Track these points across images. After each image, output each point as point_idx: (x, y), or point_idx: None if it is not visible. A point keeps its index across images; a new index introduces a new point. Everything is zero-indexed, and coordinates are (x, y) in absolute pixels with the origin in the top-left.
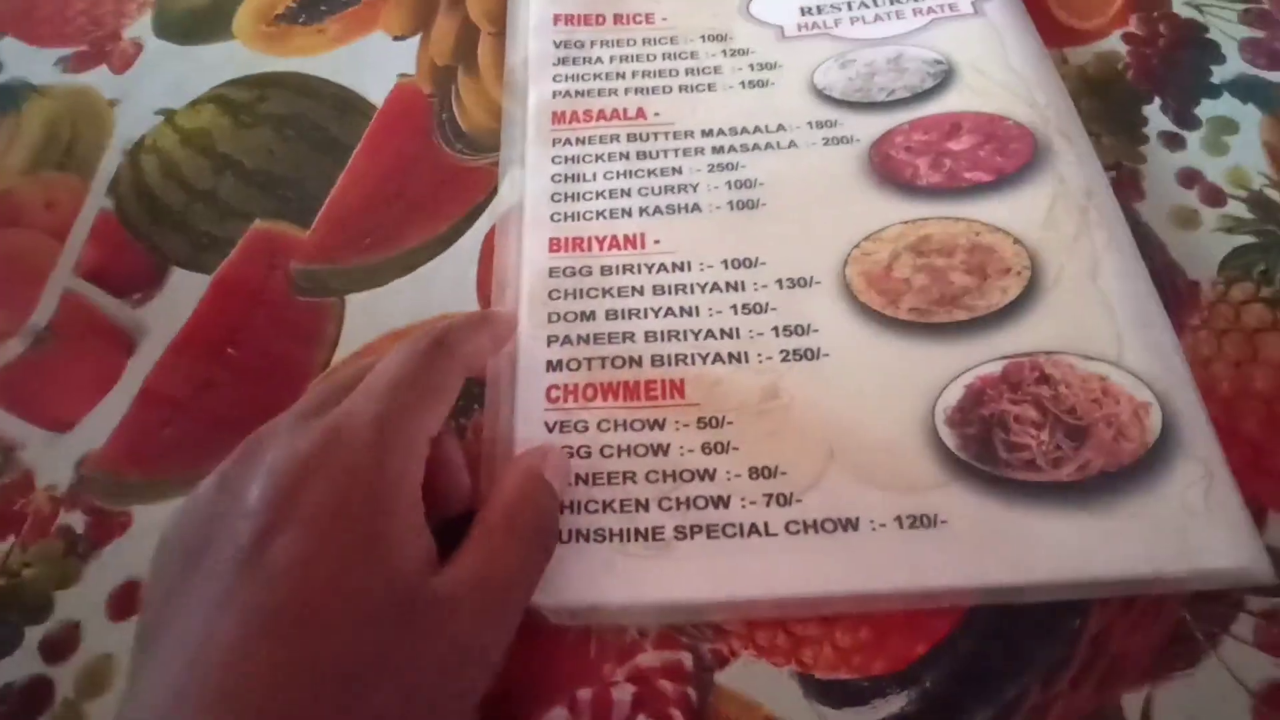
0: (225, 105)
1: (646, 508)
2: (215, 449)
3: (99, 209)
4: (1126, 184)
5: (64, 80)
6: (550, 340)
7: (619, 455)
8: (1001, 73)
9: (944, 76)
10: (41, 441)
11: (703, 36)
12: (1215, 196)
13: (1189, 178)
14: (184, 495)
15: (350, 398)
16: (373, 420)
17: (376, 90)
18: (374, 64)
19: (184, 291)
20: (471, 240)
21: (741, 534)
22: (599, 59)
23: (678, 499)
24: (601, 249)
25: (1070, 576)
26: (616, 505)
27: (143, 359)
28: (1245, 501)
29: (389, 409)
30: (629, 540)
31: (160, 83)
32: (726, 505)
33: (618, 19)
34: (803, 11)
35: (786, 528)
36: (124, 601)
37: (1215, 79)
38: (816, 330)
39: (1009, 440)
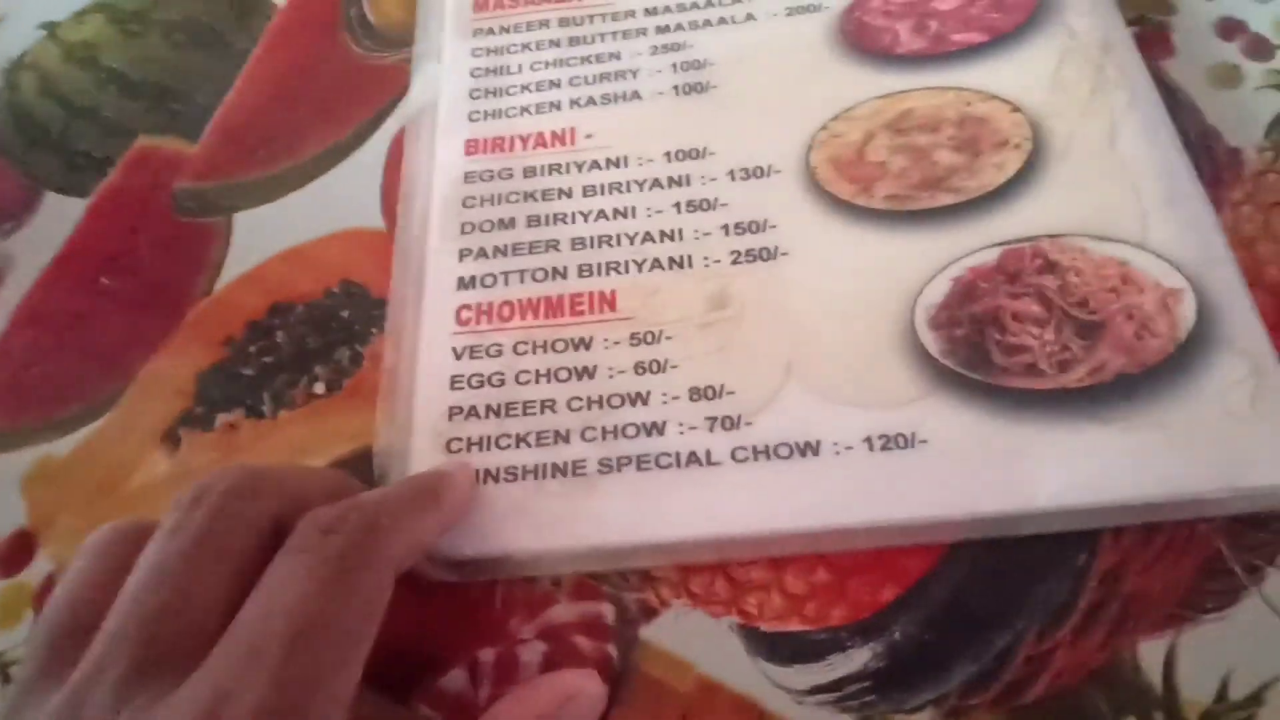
0: (113, 13)
1: (567, 439)
2: (83, 389)
3: None
4: (1152, 40)
5: None
6: (462, 254)
7: (537, 381)
8: None
9: None
10: None
11: None
12: (1261, 48)
13: (1229, 29)
14: (45, 444)
15: (223, 653)
16: (265, 710)
17: None
18: None
19: (57, 218)
20: (376, 146)
21: (678, 464)
22: None
23: (604, 428)
24: (525, 148)
25: (1081, 502)
26: (532, 439)
27: (8, 294)
28: None
29: (289, 683)
30: (545, 477)
31: None
32: (661, 432)
33: None
34: None
35: (733, 455)
36: None
37: None
38: (774, 226)
39: (1005, 341)
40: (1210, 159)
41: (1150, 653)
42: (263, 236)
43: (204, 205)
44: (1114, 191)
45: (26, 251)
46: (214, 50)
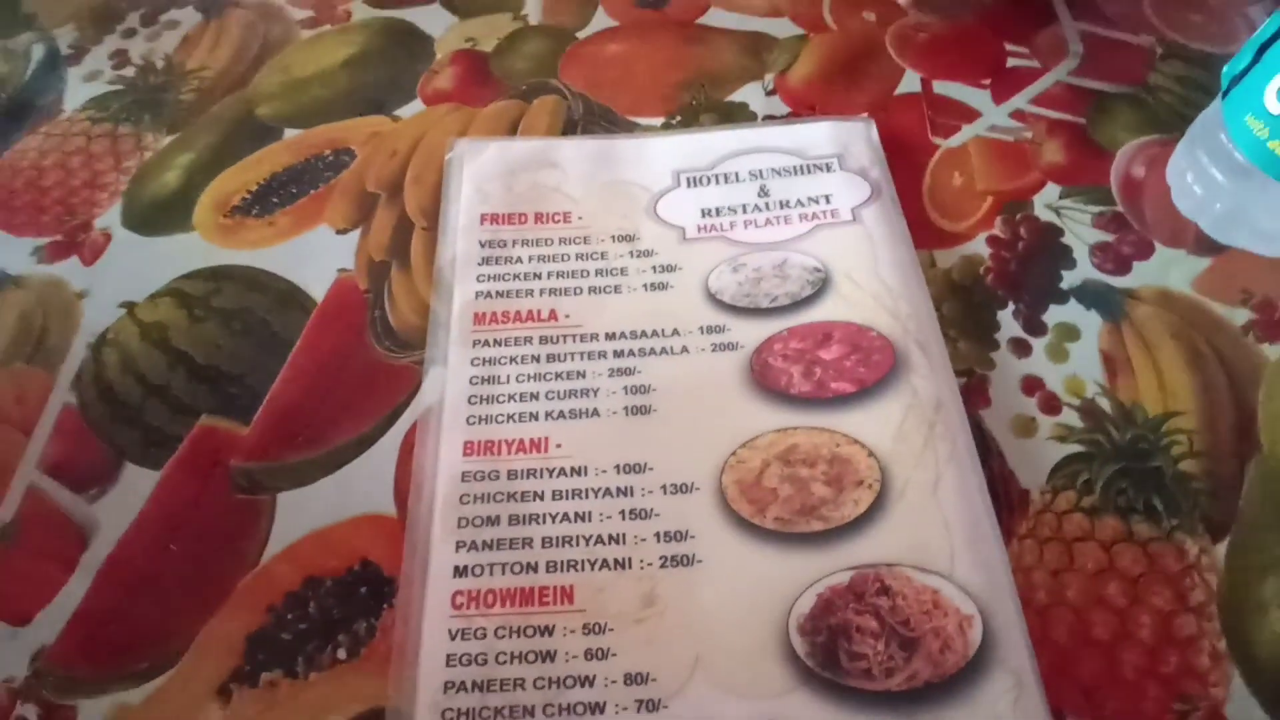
0: (181, 298)
1: (533, 715)
2: (153, 646)
3: (63, 403)
4: (975, 391)
5: (38, 271)
6: (459, 546)
7: (511, 662)
8: (871, 281)
9: (821, 284)
10: (3, 635)
11: (613, 237)
12: (1052, 404)
13: (1031, 385)
14: (123, 692)
15: None
16: None
17: (318, 284)
18: (317, 258)
19: (134, 488)
20: (392, 439)
21: None
22: (519, 259)
23: (560, 705)
24: (510, 453)
25: None
26: (506, 712)
27: (94, 554)
28: (1050, 708)
29: None
30: None
31: (124, 275)
32: (602, 712)
33: (539, 218)
34: (702, 214)
35: None
36: None
37: (1065, 284)
38: (694, 537)
39: (850, 649)
40: (1007, 498)
41: None
42: (300, 516)
43: (253, 484)
44: (933, 531)
45: (110, 516)
46: (263, 339)
